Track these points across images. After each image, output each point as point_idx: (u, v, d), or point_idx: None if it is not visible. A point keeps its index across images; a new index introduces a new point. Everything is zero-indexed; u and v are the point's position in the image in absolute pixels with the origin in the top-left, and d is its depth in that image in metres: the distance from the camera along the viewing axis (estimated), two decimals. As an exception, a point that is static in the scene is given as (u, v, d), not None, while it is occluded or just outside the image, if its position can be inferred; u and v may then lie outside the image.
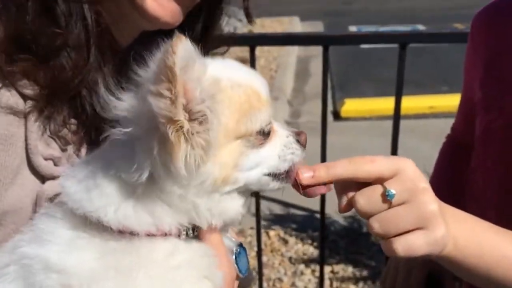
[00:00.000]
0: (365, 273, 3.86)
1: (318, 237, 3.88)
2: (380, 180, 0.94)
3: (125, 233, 0.89)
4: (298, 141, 1.02)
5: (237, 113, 0.91)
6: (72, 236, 0.90)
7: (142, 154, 0.85)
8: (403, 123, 2.53)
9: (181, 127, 0.82)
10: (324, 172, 0.96)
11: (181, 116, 0.81)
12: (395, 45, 2.39)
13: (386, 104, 6.32)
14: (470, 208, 1.08)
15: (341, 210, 0.99)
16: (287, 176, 1.00)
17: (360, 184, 0.96)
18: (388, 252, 0.96)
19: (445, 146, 1.89)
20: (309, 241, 4.24)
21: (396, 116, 2.48)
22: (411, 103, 5.98)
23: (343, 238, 4.25)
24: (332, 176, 0.96)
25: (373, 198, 0.93)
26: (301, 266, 3.96)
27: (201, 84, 0.85)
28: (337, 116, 7.16)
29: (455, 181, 1.72)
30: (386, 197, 0.92)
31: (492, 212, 1.50)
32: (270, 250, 4.17)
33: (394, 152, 2.55)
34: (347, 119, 7.08)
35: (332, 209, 4.19)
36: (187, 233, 0.94)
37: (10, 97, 0.95)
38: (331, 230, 4.29)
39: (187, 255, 0.93)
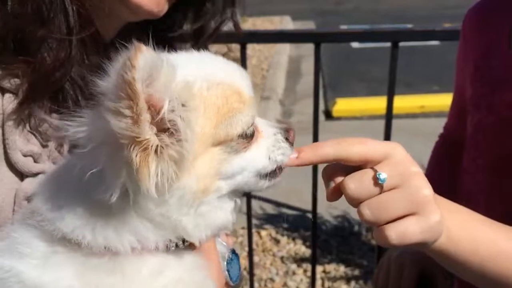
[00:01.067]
0: (356, 272, 3.85)
1: (310, 236, 3.87)
2: (369, 163, 0.90)
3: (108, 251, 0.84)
4: (287, 138, 0.96)
5: (214, 118, 0.84)
6: (50, 250, 0.84)
7: (111, 174, 0.78)
8: (394, 123, 2.52)
9: (148, 145, 0.75)
10: (310, 152, 0.91)
11: (147, 134, 0.74)
12: (387, 45, 2.37)
13: (377, 104, 6.33)
14: (461, 207, 1.05)
15: (329, 198, 0.94)
16: (276, 172, 0.95)
17: (348, 170, 0.92)
18: (381, 241, 0.91)
19: (438, 145, 1.88)
20: (301, 241, 4.22)
21: (388, 115, 2.46)
22: (402, 102, 5.97)
23: (335, 238, 4.23)
24: (319, 157, 0.91)
25: (363, 182, 0.88)
26: (293, 266, 3.94)
27: (170, 91, 0.77)
28: (328, 115, 7.16)
29: (448, 180, 1.70)
30: (377, 181, 0.88)
31: (482, 211, 1.49)
32: (262, 250, 4.15)
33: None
34: (338, 118, 7.08)
35: (323, 209, 4.21)
36: (176, 245, 0.89)
37: None
38: (322, 230, 4.27)
39: (176, 271, 0.88)
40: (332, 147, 0.90)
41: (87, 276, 0.82)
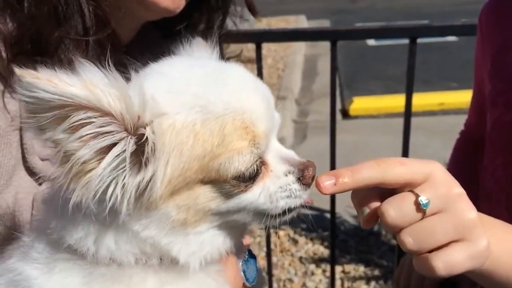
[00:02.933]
0: (376, 272, 3.81)
1: (328, 236, 3.84)
2: (409, 186, 0.83)
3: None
4: (300, 179, 0.86)
5: (204, 156, 0.77)
6: (58, 257, 0.83)
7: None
8: (412, 120, 2.48)
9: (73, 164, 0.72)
10: (348, 177, 0.81)
11: (79, 157, 0.71)
12: (403, 42, 2.33)
13: (394, 102, 6.27)
14: (482, 208, 1.00)
15: (365, 225, 0.86)
16: (281, 214, 0.87)
17: (382, 194, 0.84)
18: (425, 271, 0.83)
19: (459, 142, 1.85)
20: (319, 241, 4.19)
21: (407, 112, 2.43)
22: (420, 100, 5.90)
23: (354, 237, 4.20)
24: (358, 182, 0.82)
25: (404, 207, 0.81)
26: (312, 266, 3.92)
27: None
28: (345, 114, 7.11)
29: (469, 178, 1.67)
30: (420, 206, 0.80)
31: (502, 210, 1.45)
32: (280, 250, 4.13)
33: (405, 149, 2.50)
34: (355, 117, 7.03)
35: (342, 208, 4.18)
36: None
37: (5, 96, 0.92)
38: (341, 230, 4.24)
39: (183, 284, 0.86)
40: (371, 171, 0.82)
41: (93, 285, 0.82)
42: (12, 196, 0.94)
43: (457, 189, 0.84)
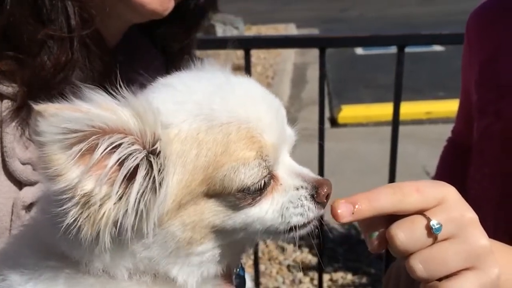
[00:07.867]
0: (364, 280, 3.80)
1: (317, 244, 3.83)
2: (421, 210, 0.80)
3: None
4: (313, 196, 0.83)
5: (208, 166, 0.75)
6: (46, 264, 0.80)
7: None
8: (400, 129, 2.49)
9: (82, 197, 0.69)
10: (366, 205, 0.78)
11: (80, 189, 0.68)
12: (391, 51, 2.35)
13: (383, 110, 6.30)
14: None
15: (374, 249, 0.83)
16: (292, 230, 0.83)
17: (389, 216, 0.81)
18: None
19: (446, 149, 1.85)
20: (307, 249, 4.17)
21: (395, 120, 2.43)
22: (408, 108, 5.94)
23: (342, 246, 4.19)
24: (375, 211, 0.78)
25: (415, 231, 0.77)
26: (300, 274, 3.90)
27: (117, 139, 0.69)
28: (334, 122, 7.14)
29: (457, 185, 1.67)
30: (431, 230, 0.77)
31: (490, 221, 1.45)
32: (268, 258, 4.11)
33: (393, 157, 2.50)
34: (344, 125, 7.06)
35: (330, 216, 4.17)
36: None
37: None
38: (329, 237, 4.23)
39: None
40: (388, 199, 0.79)
41: None
42: None
43: (470, 214, 0.81)
